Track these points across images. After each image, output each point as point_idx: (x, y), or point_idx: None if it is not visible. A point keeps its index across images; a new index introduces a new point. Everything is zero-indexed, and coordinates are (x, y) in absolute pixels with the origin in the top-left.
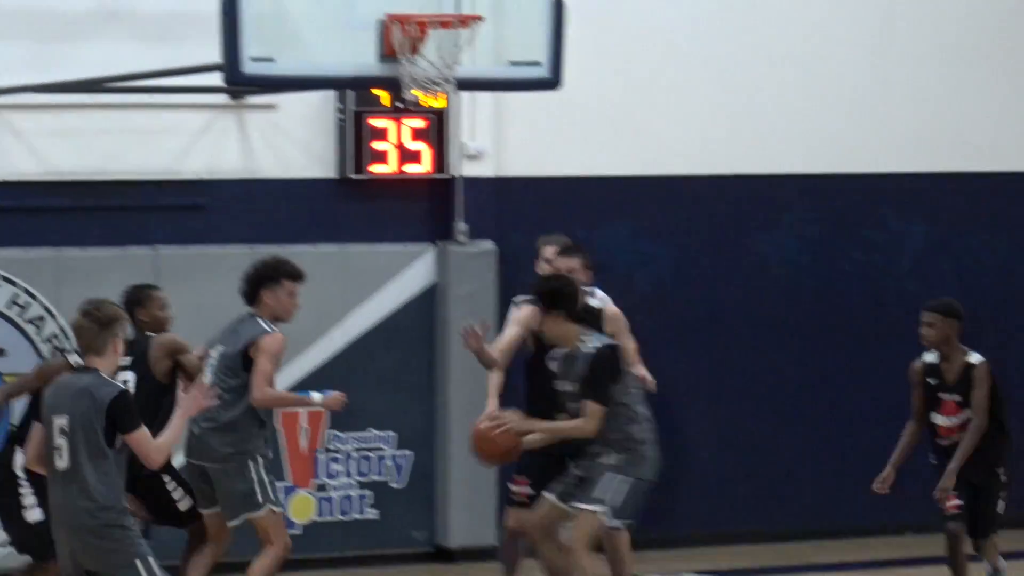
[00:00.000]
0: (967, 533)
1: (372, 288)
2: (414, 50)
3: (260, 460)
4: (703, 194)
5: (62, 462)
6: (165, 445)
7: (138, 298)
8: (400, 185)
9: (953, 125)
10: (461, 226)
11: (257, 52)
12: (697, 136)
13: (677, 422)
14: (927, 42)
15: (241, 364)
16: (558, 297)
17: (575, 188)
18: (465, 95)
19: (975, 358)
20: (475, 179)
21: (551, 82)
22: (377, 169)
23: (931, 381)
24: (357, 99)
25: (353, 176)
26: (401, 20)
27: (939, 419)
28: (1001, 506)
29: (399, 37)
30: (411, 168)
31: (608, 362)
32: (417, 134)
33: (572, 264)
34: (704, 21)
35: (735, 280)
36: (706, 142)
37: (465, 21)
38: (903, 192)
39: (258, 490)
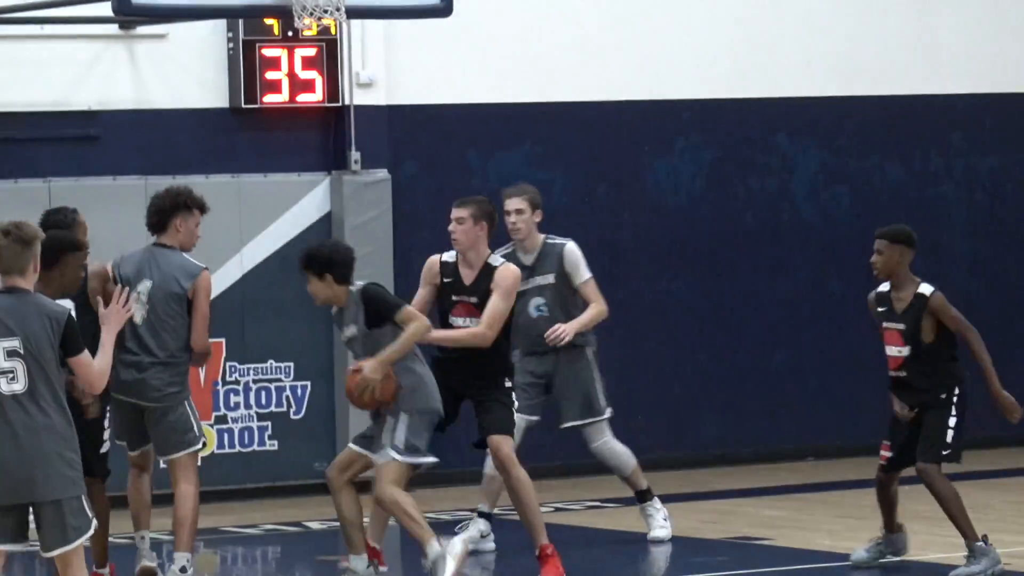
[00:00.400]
0: (914, 459)
1: (267, 218)
2: None
3: (190, 397)
4: (597, 120)
5: (16, 385)
6: (105, 369)
7: (66, 224)
8: (293, 114)
9: (845, 49)
10: (354, 155)
11: None
12: (591, 62)
13: None
14: None
15: (187, 302)
16: (327, 264)
17: (468, 115)
18: (355, 23)
19: (925, 288)
20: (367, 107)
21: (442, 9)
22: (269, 99)
23: (880, 310)
24: (247, 28)
25: (245, 106)
26: None
27: (887, 350)
28: (950, 434)
29: None
30: (303, 97)
31: (380, 291)
32: (308, 63)
33: (461, 213)
34: None
35: (630, 206)
36: (600, 68)
37: None
38: (796, 116)
39: (195, 427)
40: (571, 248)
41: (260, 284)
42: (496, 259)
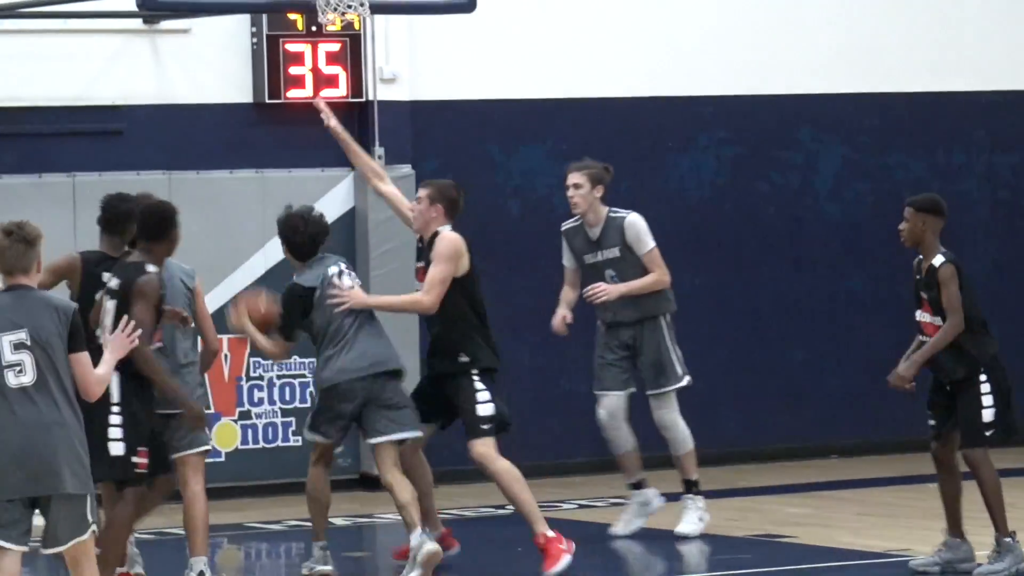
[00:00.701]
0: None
1: None
2: None
3: None
4: (620, 116)
5: (24, 378)
6: (105, 378)
7: (131, 207)
8: (316, 110)
9: (867, 45)
10: (378, 150)
11: None
12: (613, 58)
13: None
14: None
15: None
16: (283, 239)
17: (491, 111)
18: (379, 18)
19: (937, 259)
20: (391, 103)
21: (465, 5)
22: (293, 94)
23: (917, 277)
24: (271, 23)
25: (269, 101)
26: None
27: (919, 315)
28: (986, 413)
29: None
30: (327, 93)
31: (285, 301)
32: (332, 58)
33: (420, 193)
34: None
35: (653, 202)
36: (622, 64)
37: None
38: (819, 113)
39: (206, 427)
40: (631, 220)
41: (284, 280)
42: (444, 230)
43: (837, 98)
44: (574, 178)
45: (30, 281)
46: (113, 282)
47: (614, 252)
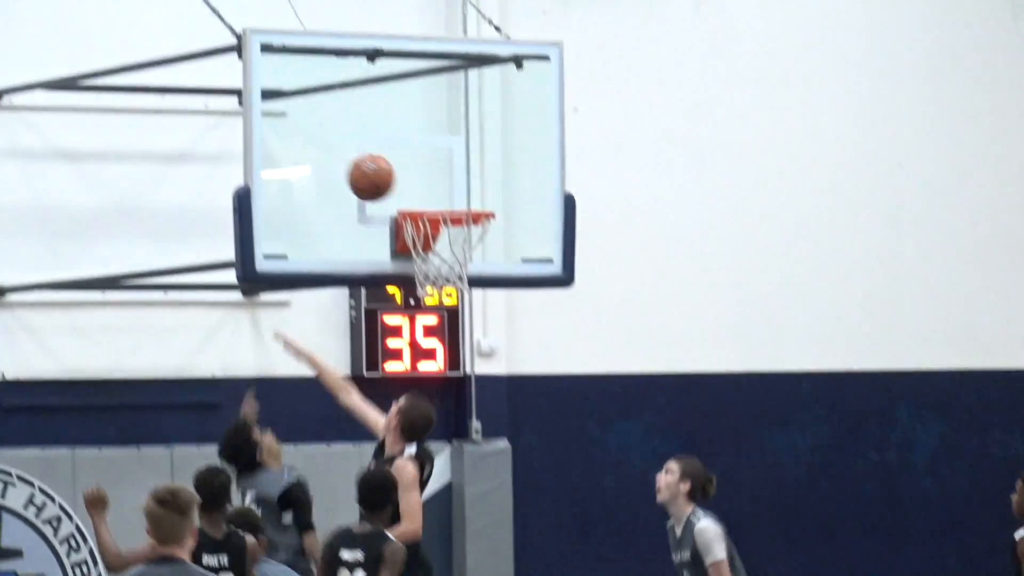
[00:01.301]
0: None
1: None
2: (427, 247)
3: None
4: (716, 392)
5: None
6: None
7: (220, 484)
8: (414, 383)
9: (964, 322)
10: (475, 424)
11: (270, 249)
12: (709, 334)
13: None
14: (939, 238)
15: None
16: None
17: (588, 386)
18: (477, 292)
19: (1019, 533)
20: (488, 377)
21: (563, 279)
22: (391, 367)
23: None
24: (368, 296)
25: (367, 374)
26: (413, 217)
27: None
28: None
29: (411, 234)
30: (425, 366)
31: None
32: (429, 331)
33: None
34: (715, 220)
35: (749, 479)
36: (718, 340)
37: (477, 218)
38: (916, 390)
39: None
40: (701, 528)
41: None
42: (407, 453)
43: (934, 375)
44: (668, 463)
45: (183, 552)
46: (356, 555)
47: (686, 555)
